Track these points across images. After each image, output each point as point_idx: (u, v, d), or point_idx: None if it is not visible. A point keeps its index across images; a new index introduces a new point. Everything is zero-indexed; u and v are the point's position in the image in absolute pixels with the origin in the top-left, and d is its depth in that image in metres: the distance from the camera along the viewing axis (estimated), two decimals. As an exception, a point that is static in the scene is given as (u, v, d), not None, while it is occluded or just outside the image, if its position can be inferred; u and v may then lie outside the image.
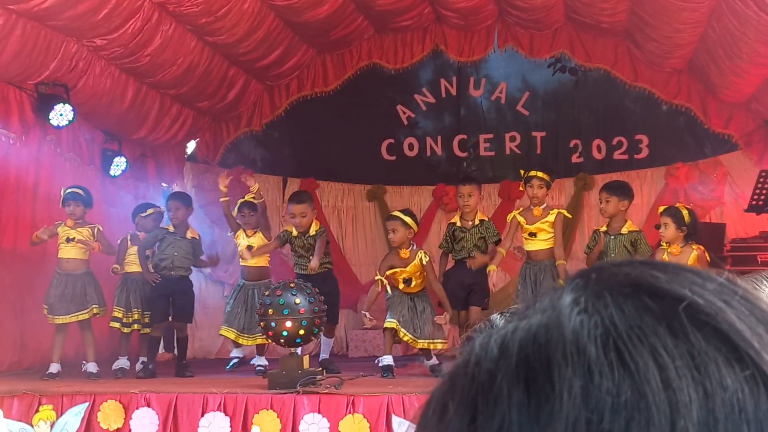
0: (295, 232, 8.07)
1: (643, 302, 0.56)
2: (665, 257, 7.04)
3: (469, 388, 0.57)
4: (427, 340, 7.67)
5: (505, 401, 0.54)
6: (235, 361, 8.32)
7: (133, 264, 8.39)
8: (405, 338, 7.71)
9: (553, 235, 7.80)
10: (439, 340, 7.71)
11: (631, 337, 0.54)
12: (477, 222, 8.04)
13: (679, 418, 0.51)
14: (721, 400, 0.52)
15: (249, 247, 8.25)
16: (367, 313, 7.69)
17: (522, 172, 8.14)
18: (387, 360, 7.59)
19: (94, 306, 7.90)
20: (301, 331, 6.69)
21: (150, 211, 8.71)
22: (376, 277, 7.83)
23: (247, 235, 8.39)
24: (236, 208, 8.45)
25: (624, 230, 7.60)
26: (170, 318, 8.35)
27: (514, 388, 0.54)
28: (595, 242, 7.71)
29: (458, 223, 8.11)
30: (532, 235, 7.87)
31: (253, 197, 8.44)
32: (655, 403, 0.51)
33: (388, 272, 7.78)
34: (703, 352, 0.53)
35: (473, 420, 0.55)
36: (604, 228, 7.72)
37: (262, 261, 8.32)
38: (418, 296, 7.80)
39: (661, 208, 7.49)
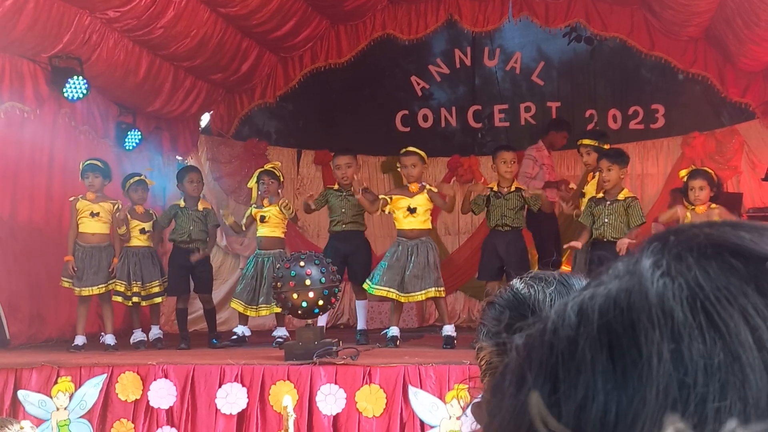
0: (336, 186, 8.31)
1: (728, 263, 0.54)
2: (688, 216, 7.13)
3: (548, 357, 0.55)
4: (422, 292, 7.62)
5: (588, 369, 0.53)
6: (233, 338, 8.18)
7: (134, 238, 8.19)
8: (402, 299, 7.70)
9: None
10: (434, 288, 7.64)
11: (719, 299, 0.52)
12: (513, 189, 7.99)
13: None
14: None
15: (262, 218, 8.20)
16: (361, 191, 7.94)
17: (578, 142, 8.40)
18: (393, 331, 7.65)
19: (117, 279, 8.00)
20: (319, 302, 6.69)
21: (131, 180, 8.30)
22: (381, 196, 8.01)
23: (263, 206, 8.22)
24: (255, 177, 8.32)
25: (620, 196, 7.47)
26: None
27: (597, 354, 0.53)
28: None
29: (494, 188, 8.05)
30: (583, 196, 7.94)
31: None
32: (749, 364, 0.50)
33: (393, 197, 7.92)
34: None
35: (555, 389, 0.54)
36: (600, 195, 7.60)
37: (277, 231, 8.27)
38: (422, 242, 7.73)
39: (684, 172, 7.53)
